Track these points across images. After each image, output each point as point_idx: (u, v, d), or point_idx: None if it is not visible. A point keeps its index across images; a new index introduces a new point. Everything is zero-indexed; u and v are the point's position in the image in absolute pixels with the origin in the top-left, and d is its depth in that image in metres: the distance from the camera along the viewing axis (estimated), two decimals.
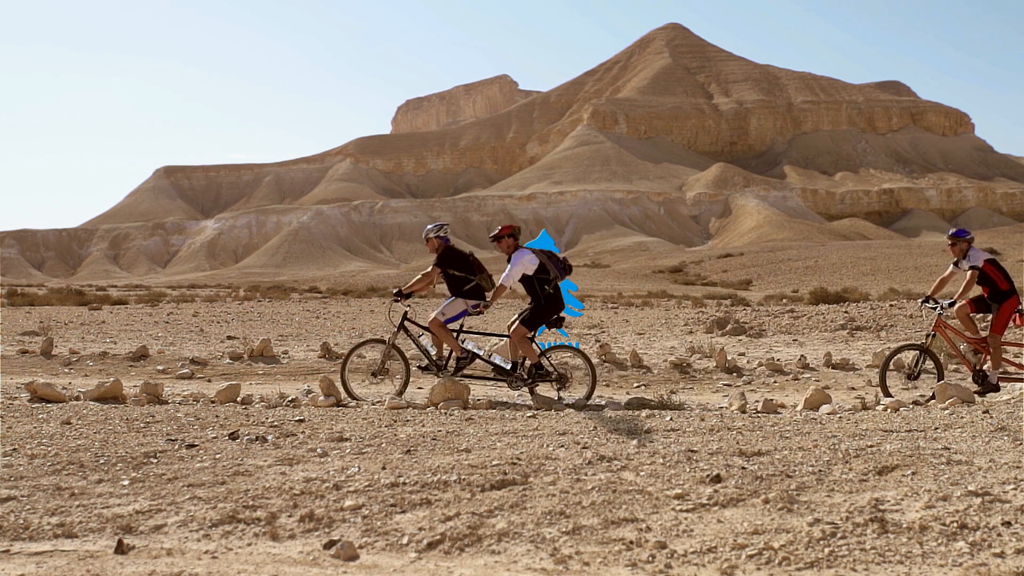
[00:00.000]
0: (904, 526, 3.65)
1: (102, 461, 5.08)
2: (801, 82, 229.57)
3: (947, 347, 9.57)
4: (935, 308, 9.15)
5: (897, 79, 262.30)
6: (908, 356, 9.87)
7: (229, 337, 16.73)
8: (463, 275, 8.88)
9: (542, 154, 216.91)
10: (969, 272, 9.09)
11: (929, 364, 9.23)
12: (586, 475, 4.65)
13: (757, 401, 8.47)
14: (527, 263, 8.57)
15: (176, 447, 5.55)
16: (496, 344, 9.93)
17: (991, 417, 6.44)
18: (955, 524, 3.64)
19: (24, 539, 3.70)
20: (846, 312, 22.07)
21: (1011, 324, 9.05)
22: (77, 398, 8.38)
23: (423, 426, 6.49)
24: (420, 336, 9.03)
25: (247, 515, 3.97)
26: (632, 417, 6.95)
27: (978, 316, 9.40)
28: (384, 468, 4.87)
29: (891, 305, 24.58)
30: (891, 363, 9.39)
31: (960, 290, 9.21)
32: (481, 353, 8.85)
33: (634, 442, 5.61)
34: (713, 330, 17.29)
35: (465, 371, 8.81)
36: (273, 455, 5.30)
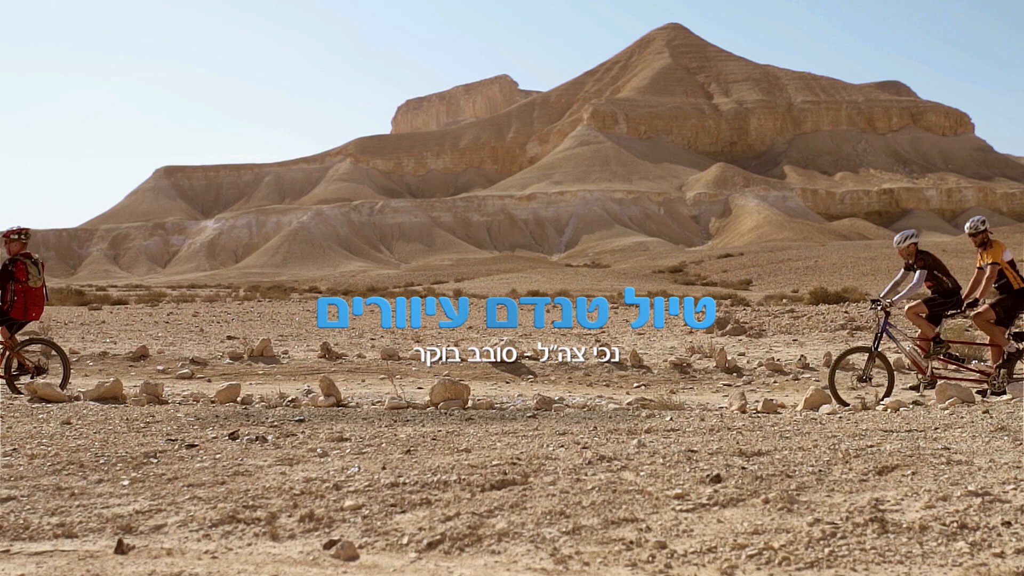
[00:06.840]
0: (904, 526, 3.65)
1: (102, 461, 5.08)
2: (801, 82, 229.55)
3: None
4: None
5: (897, 79, 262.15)
6: None
7: (229, 337, 16.74)
8: None
9: (542, 154, 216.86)
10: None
11: None
12: (586, 475, 4.65)
13: (757, 401, 8.49)
14: None
15: (176, 447, 5.55)
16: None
17: (991, 417, 6.44)
18: (955, 524, 3.64)
19: (24, 539, 3.70)
20: (846, 312, 22.07)
21: None
22: (77, 398, 8.39)
23: (423, 426, 6.49)
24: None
25: (247, 515, 3.97)
26: (632, 417, 6.95)
27: None
28: (384, 468, 4.87)
29: None
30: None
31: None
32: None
33: (634, 442, 5.61)
34: (713, 330, 17.29)
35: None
36: (273, 455, 5.30)
